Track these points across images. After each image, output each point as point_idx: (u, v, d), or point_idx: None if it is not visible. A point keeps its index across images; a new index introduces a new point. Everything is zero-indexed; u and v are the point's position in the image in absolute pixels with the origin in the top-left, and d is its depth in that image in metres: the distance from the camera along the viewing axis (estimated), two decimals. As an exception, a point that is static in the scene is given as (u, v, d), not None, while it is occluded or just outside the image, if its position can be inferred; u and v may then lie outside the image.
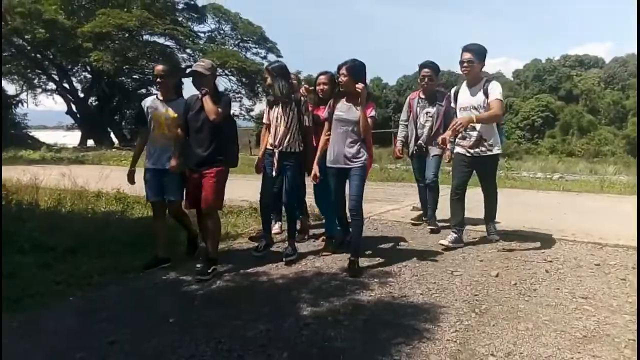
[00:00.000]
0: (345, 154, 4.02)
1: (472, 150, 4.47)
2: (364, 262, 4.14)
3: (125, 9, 22.38)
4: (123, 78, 26.99)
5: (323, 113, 4.33)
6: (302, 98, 4.36)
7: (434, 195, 5.25)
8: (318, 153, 4.25)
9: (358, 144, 4.03)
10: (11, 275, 3.65)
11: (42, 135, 28.85)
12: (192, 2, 26.08)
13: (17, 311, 3.18)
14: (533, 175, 12.12)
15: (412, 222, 5.58)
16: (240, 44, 29.25)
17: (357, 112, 3.98)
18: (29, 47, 23.77)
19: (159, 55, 23.68)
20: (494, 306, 3.16)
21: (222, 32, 29.05)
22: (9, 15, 20.48)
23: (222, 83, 27.01)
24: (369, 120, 4.00)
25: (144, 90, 26.39)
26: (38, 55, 24.55)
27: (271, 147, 4.30)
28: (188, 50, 25.56)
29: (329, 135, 4.13)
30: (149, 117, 4.16)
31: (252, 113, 31.47)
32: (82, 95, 27.13)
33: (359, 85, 3.90)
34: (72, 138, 27.22)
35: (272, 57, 28.62)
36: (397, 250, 4.63)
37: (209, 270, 3.84)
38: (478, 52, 4.34)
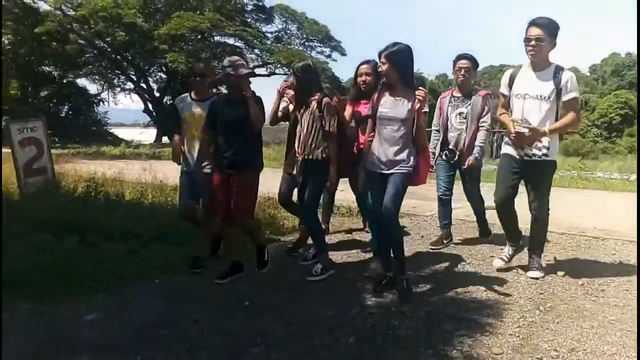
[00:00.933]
0: (389, 157, 3.39)
1: (522, 152, 3.61)
2: (423, 265, 4.13)
3: (198, 12, 23.42)
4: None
5: (365, 109, 3.85)
6: (326, 99, 3.82)
7: (479, 210, 4.65)
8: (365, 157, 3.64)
9: (406, 146, 3.39)
10: (103, 260, 4.03)
11: (121, 132, 30.66)
12: (261, 4, 26.84)
13: (108, 292, 3.53)
14: (608, 176, 11.55)
15: (431, 247, 4.64)
16: (306, 43, 29.70)
17: (405, 108, 3.35)
18: (109, 49, 25.39)
19: (229, 56, 24.56)
20: (559, 305, 3.17)
21: (288, 31, 29.64)
22: (92, 20, 22.04)
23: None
24: (422, 118, 3.37)
25: (214, 90, 27.42)
26: (118, 57, 26.16)
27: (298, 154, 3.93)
28: (256, 50, 26.31)
29: (373, 136, 3.55)
30: (182, 117, 4.09)
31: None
32: (157, 94, 28.64)
33: (420, 93, 3.25)
34: (148, 135, 28.71)
35: (336, 55, 28.87)
36: (457, 249, 4.64)
37: (227, 275, 3.74)
38: (549, 28, 3.41)
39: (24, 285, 3.44)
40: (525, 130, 3.41)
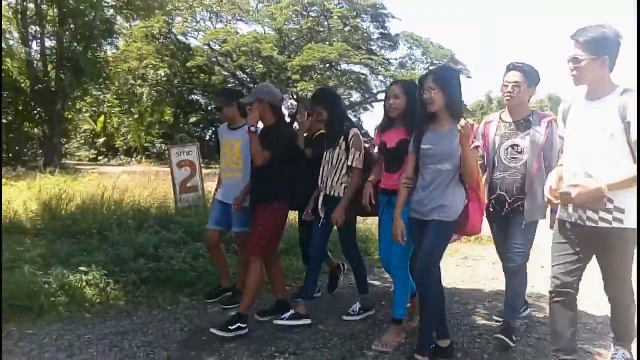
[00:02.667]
0: (431, 201, 2.86)
1: (584, 215, 2.47)
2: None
3: (328, 43, 24.82)
4: (322, 104, 29.71)
5: (392, 139, 3.23)
6: (354, 131, 3.48)
7: (515, 288, 3.29)
8: (399, 200, 3.01)
9: (452, 189, 2.85)
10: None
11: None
12: (387, 32, 27.55)
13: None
14: None
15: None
16: (430, 67, 29.75)
17: (451, 143, 2.81)
18: (248, 80, 27.89)
19: (354, 83, 25.61)
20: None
21: (412, 57, 29.89)
22: (235, 54, 24.45)
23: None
24: (473, 154, 2.80)
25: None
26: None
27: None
28: (380, 77, 27.00)
29: (408, 179, 2.99)
30: (220, 146, 4.04)
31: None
32: (288, 120, 30.61)
33: (461, 123, 2.67)
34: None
35: (462, 78, 28.51)
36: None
37: (231, 327, 3.27)
38: (594, 43, 2.39)
39: (184, 285, 4.22)
40: (573, 190, 2.33)
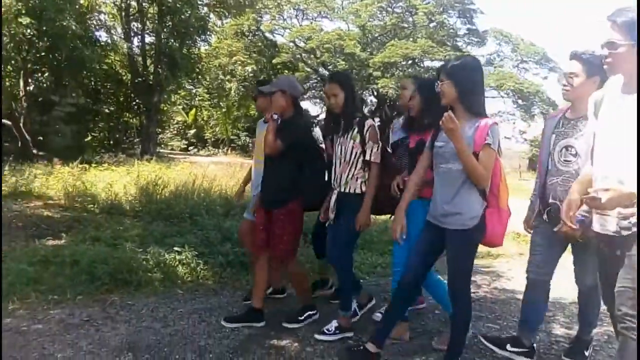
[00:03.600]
0: (445, 205, 2.65)
1: (617, 227, 2.11)
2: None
3: (411, 39, 24.54)
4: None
5: (413, 139, 3.16)
6: (369, 122, 3.20)
7: (588, 312, 3.00)
8: (404, 195, 2.83)
9: (467, 192, 2.61)
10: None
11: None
12: (474, 28, 26.71)
13: None
14: None
15: None
16: (520, 65, 28.44)
17: (467, 140, 2.59)
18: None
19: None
20: None
21: (501, 54, 28.75)
22: (319, 51, 24.85)
23: (498, 105, 26.81)
24: (484, 153, 2.55)
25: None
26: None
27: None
28: (465, 74, 26.34)
29: (417, 177, 2.83)
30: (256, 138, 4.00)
31: (525, 135, 30.17)
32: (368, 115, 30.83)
33: (444, 116, 2.49)
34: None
35: (553, 76, 27.02)
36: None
37: (301, 317, 3.43)
38: (635, 26, 2.02)
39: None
40: (603, 194, 1.98)
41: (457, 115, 2.58)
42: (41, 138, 14.15)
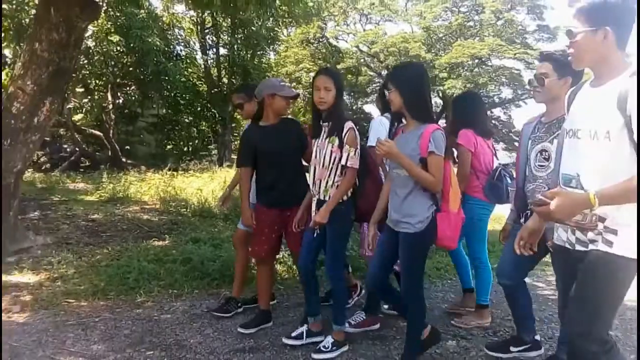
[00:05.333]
0: (396, 210, 2.75)
1: (572, 237, 1.96)
2: None
3: (478, 38, 24.12)
4: (469, 102, 28.93)
5: None
6: (349, 124, 2.99)
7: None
8: (377, 211, 2.94)
9: (415, 197, 2.67)
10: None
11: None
12: (544, 24, 25.82)
13: None
14: None
15: None
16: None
17: (409, 147, 2.66)
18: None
19: (506, 79, 24.50)
20: None
21: (573, 49, 27.69)
22: (383, 55, 24.95)
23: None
24: (430, 160, 2.61)
25: (488, 113, 27.70)
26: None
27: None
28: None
29: (387, 185, 2.94)
30: None
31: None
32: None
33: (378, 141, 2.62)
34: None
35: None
36: None
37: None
38: (592, 9, 1.83)
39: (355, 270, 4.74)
40: (552, 201, 1.73)
41: (408, 121, 2.77)
42: (128, 147, 15.23)
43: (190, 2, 8.27)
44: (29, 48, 5.48)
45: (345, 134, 2.97)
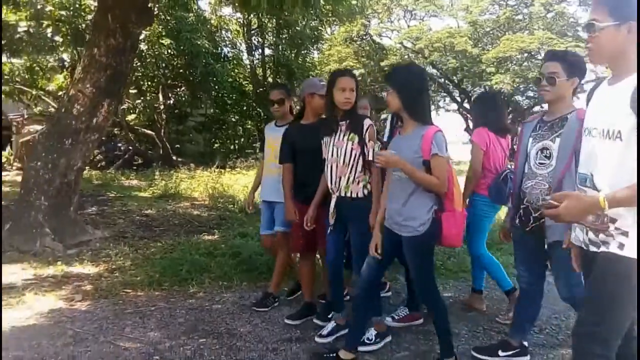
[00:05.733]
0: (397, 213, 2.75)
1: (586, 238, 1.92)
2: None
3: (527, 32, 23.41)
4: (518, 97, 28.15)
5: None
6: (368, 121, 3.10)
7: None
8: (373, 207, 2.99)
9: (416, 200, 2.67)
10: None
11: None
12: (598, 15, 24.75)
13: (457, 280, 4.61)
14: None
15: None
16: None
17: (410, 150, 2.66)
18: (439, 75, 27.88)
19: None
20: None
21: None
22: (428, 50, 24.67)
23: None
24: (434, 162, 2.62)
25: (537, 108, 26.86)
26: (446, 81, 28.46)
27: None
28: (591, 65, 24.48)
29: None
30: (265, 145, 3.95)
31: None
32: (479, 114, 29.87)
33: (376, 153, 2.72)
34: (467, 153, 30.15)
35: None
36: None
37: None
38: (619, 3, 1.78)
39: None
40: (557, 204, 1.75)
41: (406, 123, 2.75)
42: (178, 146, 15.77)
43: (237, 5, 8.50)
44: (88, 53, 5.82)
45: (366, 131, 3.05)
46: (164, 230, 6.64)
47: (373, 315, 3.18)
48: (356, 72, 26.10)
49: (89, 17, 12.68)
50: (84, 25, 12.98)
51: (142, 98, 14.88)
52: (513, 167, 3.28)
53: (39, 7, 12.61)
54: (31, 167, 5.76)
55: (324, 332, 3.34)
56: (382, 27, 26.30)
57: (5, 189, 10.95)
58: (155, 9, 7.31)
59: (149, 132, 15.33)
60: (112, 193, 9.75)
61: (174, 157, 14.71)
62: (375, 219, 2.95)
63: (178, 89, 15.54)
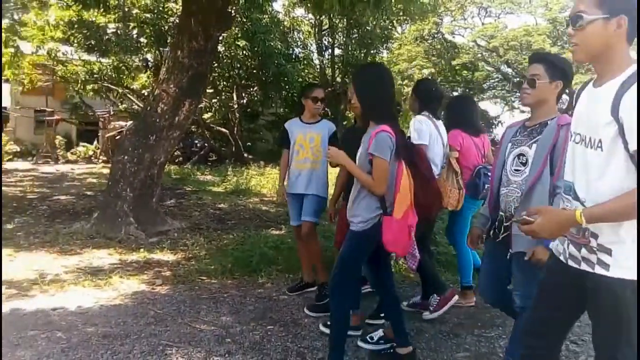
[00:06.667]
0: (351, 210, 2.79)
1: (566, 250, 1.77)
2: None
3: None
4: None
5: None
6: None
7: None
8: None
9: (361, 198, 2.71)
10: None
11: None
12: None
13: None
14: None
15: None
16: None
17: (364, 147, 2.70)
18: (514, 74, 26.89)
19: None
20: None
21: None
22: (502, 49, 23.87)
23: None
24: (373, 163, 2.61)
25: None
26: (522, 81, 27.42)
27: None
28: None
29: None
30: (292, 141, 4.04)
31: None
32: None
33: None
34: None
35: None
36: None
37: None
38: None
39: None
40: (532, 220, 1.70)
41: (369, 127, 2.73)
42: (249, 143, 16.37)
43: (310, 6, 8.73)
44: (172, 55, 6.26)
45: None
46: (235, 224, 6.99)
47: (350, 306, 3.12)
48: (425, 72, 26.02)
49: (171, 19, 13.49)
50: (166, 27, 13.81)
51: (217, 97, 15.57)
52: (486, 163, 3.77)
53: (126, 9, 13.55)
54: (119, 160, 6.28)
55: (372, 336, 3.34)
56: (454, 25, 25.75)
57: (92, 180, 11.94)
58: (233, 12, 7.68)
59: (223, 130, 16.02)
60: (188, 187, 10.35)
61: (246, 155, 15.29)
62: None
63: (251, 89, 16.11)
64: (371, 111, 2.77)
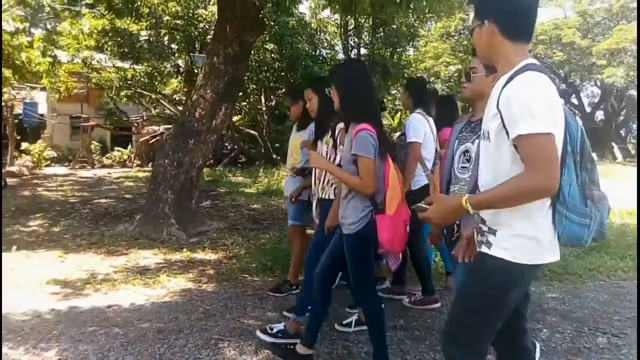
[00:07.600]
0: (341, 211, 2.75)
1: (477, 238, 1.89)
2: None
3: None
4: (633, 91, 25.93)
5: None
6: (340, 125, 3.03)
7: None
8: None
9: (351, 199, 2.65)
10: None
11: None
12: None
13: (562, 282, 4.60)
14: None
15: None
16: None
17: (347, 148, 2.65)
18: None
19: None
20: None
21: None
22: (531, 43, 23.43)
23: None
24: (358, 162, 2.56)
25: None
26: (552, 75, 27.00)
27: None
28: None
29: None
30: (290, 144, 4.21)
31: None
32: (588, 110, 27.87)
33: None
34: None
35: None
36: None
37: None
38: (479, 2, 1.79)
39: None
40: (427, 207, 1.83)
41: (350, 126, 2.66)
42: (278, 145, 16.58)
43: (337, 8, 8.84)
44: (208, 61, 6.46)
45: (338, 135, 3.11)
46: (270, 224, 7.17)
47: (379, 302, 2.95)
48: (452, 68, 25.82)
49: (201, 25, 13.79)
50: (196, 33, 14.12)
51: (246, 100, 15.83)
52: None
53: (157, 16, 13.91)
54: (159, 164, 6.52)
55: (345, 321, 3.52)
56: (481, 21, 25.44)
57: (129, 183, 12.32)
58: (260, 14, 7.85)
59: (252, 132, 16.27)
60: (222, 188, 10.61)
61: (274, 156, 15.50)
62: (331, 219, 3.00)
63: (279, 91, 16.32)
64: (350, 110, 2.69)
